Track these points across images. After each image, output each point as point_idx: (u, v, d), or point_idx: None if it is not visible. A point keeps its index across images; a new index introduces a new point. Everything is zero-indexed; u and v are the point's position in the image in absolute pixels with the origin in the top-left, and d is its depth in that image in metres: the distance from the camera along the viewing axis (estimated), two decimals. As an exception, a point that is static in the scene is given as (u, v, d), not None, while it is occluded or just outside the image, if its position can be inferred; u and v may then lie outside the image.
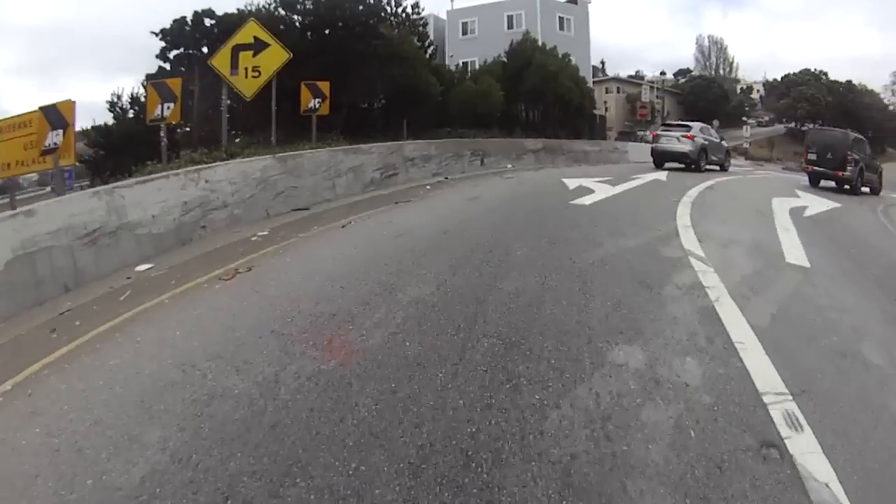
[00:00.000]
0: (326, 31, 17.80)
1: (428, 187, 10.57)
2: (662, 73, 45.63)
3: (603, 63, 58.21)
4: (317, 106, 14.15)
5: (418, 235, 6.07)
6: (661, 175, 13.16)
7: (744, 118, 49.15)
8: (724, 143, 17.93)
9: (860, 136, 14.97)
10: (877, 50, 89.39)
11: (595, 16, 32.69)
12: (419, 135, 17.09)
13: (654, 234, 6.34)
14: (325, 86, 14.09)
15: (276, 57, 12.65)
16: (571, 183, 10.43)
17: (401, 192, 10.22)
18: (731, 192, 10.94)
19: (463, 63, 26.70)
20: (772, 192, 12.21)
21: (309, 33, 17.75)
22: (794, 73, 52.88)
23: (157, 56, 20.49)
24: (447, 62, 26.65)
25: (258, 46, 12.81)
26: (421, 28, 22.72)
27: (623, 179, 11.41)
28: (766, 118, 58.63)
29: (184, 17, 21.07)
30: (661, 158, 15.55)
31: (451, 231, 6.14)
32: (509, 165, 15.94)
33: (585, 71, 28.47)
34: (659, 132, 16.18)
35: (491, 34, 28.95)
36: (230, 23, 16.69)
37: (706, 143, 15.64)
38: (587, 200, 8.38)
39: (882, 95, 53.18)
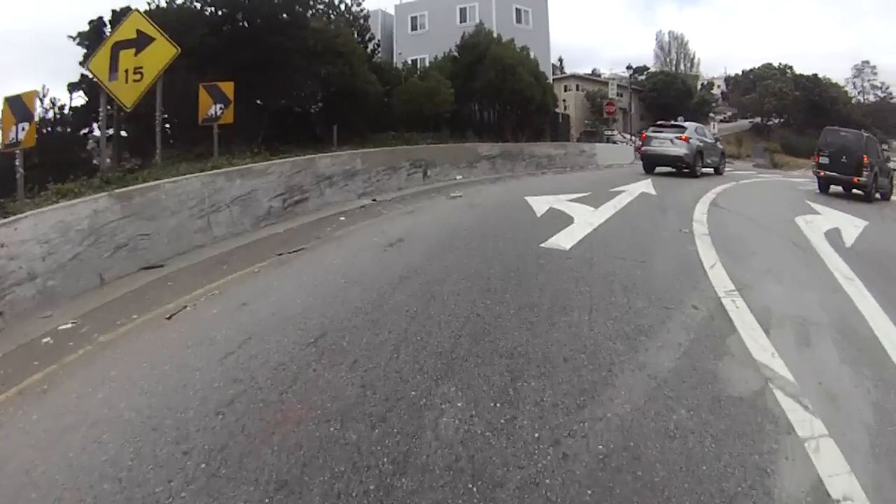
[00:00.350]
0: (244, 24, 14.84)
1: (342, 219, 7.61)
2: (629, 68, 43.50)
3: (561, 60, 56.30)
4: (218, 113, 11.29)
5: (267, 351, 3.21)
6: (647, 185, 10.72)
7: (711, 114, 47.78)
8: (718, 144, 15.95)
9: (872, 136, 13.08)
10: (832, 43, 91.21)
11: (550, 12, 30.45)
12: (360, 141, 14.35)
13: (689, 318, 3.72)
14: (228, 87, 11.24)
15: (161, 54, 10.01)
16: (539, 204, 7.89)
17: (303, 227, 7.30)
18: (744, 212, 8.59)
19: (412, 61, 23.93)
20: (784, 206, 10.10)
21: (226, 27, 14.74)
22: (756, 68, 51.99)
23: (80, 63, 17.08)
24: (395, 60, 23.82)
25: (141, 42, 10.23)
26: (362, 21, 20.00)
27: (604, 195, 8.93)
28: (729, 114, 57.68)
29: (101, 18, 17.81)
30: (652, 163, 13.64)
31: (327, 337, 3.31)
32: (459, 177, 13.14)
33: (545, 66, 26.12)
34: (649, 134, 14.11)
35: (442, 29, 26.34)
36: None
37: (701, 145, 13.57)
38: (566, 241, 5.72)
39: (845, 89, 52.86)
